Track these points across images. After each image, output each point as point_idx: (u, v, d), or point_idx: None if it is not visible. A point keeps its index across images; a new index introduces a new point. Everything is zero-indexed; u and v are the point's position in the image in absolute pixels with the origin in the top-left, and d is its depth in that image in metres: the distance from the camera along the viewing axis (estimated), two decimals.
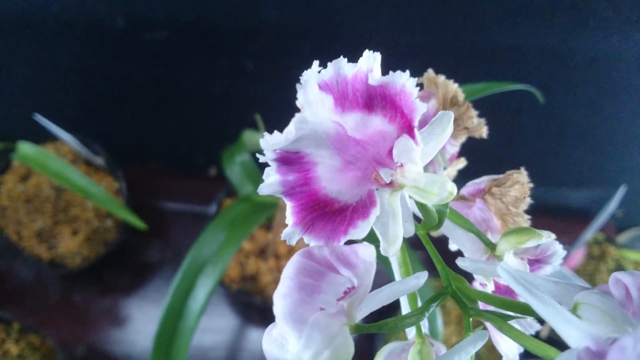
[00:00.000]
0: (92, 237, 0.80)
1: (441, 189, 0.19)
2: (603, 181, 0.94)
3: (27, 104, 0.72)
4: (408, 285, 0.24)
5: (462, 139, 0.30)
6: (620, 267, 0.86)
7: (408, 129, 0.19)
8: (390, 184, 0.20)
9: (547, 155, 0.96)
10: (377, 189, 0.21)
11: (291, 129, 0.19)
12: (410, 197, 0.21)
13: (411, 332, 0.27)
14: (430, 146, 0.20)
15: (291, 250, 0.78)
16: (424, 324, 0.26)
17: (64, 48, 0.74)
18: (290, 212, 0.21)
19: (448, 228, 0.27)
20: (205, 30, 0.70)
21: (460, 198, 0.28)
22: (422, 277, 0.23)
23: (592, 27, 0.64)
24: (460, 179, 0.36)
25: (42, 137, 0.80)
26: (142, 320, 0.93)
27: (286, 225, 0.21)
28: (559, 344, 0.65)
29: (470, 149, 1.01)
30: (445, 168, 0.31)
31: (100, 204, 0.60)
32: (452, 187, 0.19)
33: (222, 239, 0.51)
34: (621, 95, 0.77)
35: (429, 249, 0.25)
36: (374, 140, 0.21)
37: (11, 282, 0.88)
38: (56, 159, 0.61)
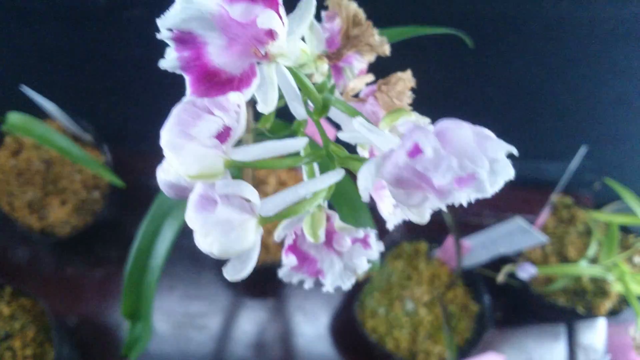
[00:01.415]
0: (80, 207, 0.85)
1: (293, 49, 0.23)
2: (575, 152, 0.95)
3: (14, 83, 0.76)
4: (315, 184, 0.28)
5: (369, 56, 0.34)
6: (589, 230, 0.89)
7: (273, 4, 0.23)
8: (266, 56, 0.24)
9: (518, 128, 0.99)
10: (257, 62, 0.25)
11: (177, 5, 0.24)
12: (289, 70, 0.25)
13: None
14: (298, 24, 0.24)
15: None
16: (324, 203, 0.30)
17: (49, 28, 0.79)
18: (188, 85, 0.25)
19: (342, 119, 0.30)
20: None
21: (358, 100, 0.32)
22: (338, 173, 0.27)
23: None
24: None
25: (31, 114, 0.85)
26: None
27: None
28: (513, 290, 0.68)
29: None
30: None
31: (82, 164, 0.64)
32: (305, 48, 0.23)
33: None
34: (580, 60, 0.80)
35: (318, 129, 0.28)
36: (254, 22, 0.25)
37: (4, 252, 0.93)
38: (41, 125, 0.66)
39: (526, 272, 0.75)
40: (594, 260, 0.81)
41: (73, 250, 0.97)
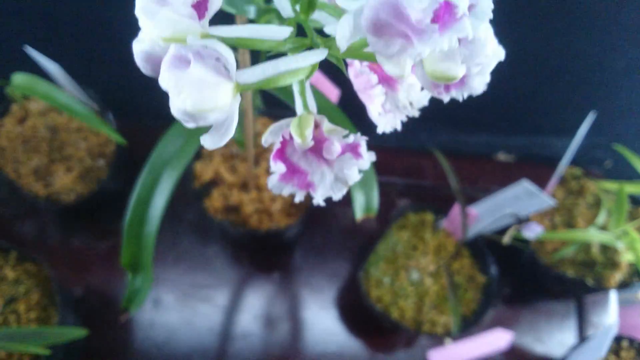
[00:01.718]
0: (85, 175, 0.85)
1: None
2: (595, 128, 0.92)
3: (18, 46, 0.77)
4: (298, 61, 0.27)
5: None
6: (598, 202, 0.87)
7: None
8: None
9: (524, 101, 0.98)
10: None
11: None
12: None
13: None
14: None
15: None
16: (312, 106, 0.29)
17: None
18: None
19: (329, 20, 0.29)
20: None
21: None
22: (321, 52, 0.26)
23: None
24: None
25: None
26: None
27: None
28: (519, 253, 0.67)
29: (450, 103, 1.03)
30: None
31: (85, 121, 0.64)
32: None
33: (184, 138, 0.55)
34: (588, 26, 0.78)
35: (305, 27, 0.28)
36: None
37: (10, 219, 0.93)
38: (46, 83, 0.66)
39: (532, 231, 0.73)
40: (603, 229, 0.80)
41: (78, 222, 0.97)
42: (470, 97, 0.99)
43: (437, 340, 0.94)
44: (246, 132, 0.68)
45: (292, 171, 0.30)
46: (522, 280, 0.95)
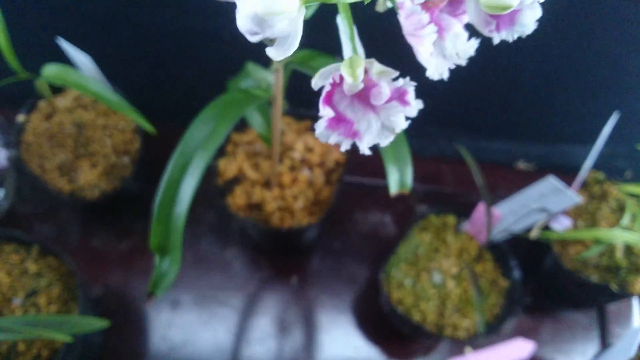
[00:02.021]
0: (109, 172, 0.85)
1: None
2: (616, 135, 0.90)
3: (48, 40, 0.78)
4: None
5: None
6: (622, 206, 0.86)
7: None
8: None
9: (546, 108, 0.98)
10: None
11: None
12: None
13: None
14: None
15: (295, 180, 0.82)
16: (361, 52, 0.30)
17: None
18: None
19: None
20: None
21: None
22: None
23: None
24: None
25: None
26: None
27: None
28: (542, 257, 0.67)
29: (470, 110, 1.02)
30: None
31: (116, 108, 0.65)
32: None
33: (215, 121, 0.55)
34: (612, 25, 0.79)
35: None
36: None
37: (34, 215, 0.94)
38: (76, 72, 0.67)
39: (561, 223, 0.73)
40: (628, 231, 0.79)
41: (100, 221, 0.98)
42: (491, 98, 1.00)
43: (457, 347, 0.92)
44: (274, 126, 0.68)
45: (339, 120, 0.30)
46: (544, 287, 0.94)
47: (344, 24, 0.29)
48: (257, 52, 0.73)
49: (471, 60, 0.96)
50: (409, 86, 0.29)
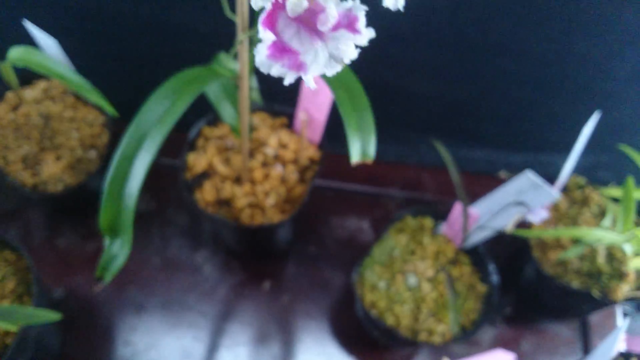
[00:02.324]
0: (74, 166, 0.82)
1: None
2: (598, 144, 0.88)
3: (15, 22, 0.76)
4: None
5: None
6: (604, 211, 0.84)
7: None
8: None
9: (527, 114, 0.96)
10: None
11: None
12: None
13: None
14: None
15: (267, 176, 0.79)
16: None
17: None
18: None
19: None
20: None
21: None
22: None
23: None
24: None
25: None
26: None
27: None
28: (521, 262, 0.64)
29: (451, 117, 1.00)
30: None
31: (80, 90, 0.63)
32: None
33: (174, 95, 0.53)
34: (593, 28, 0.78)
35: None
36: None
37: None
38: (41, 53, 0.65)
39: (538, 215, 0.70)
40: None
41: (64, 219, 0.94)
42: (471, 105, 0.97)
43: (434, 358, 0.89)
44: (241, 116, 0.66)
45: (283, 49, 0.28)
46: (525, 295, 0.91)
47: None
48: (232, 46, 0.72)
49: (452, 66, 0.94)
50: (359, 11, 0.27)
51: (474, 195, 0.95)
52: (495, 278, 0.80)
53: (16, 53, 0.69)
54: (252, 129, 0.82)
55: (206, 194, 0.78)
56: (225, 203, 0.79)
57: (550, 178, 0.90)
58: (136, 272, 0.92)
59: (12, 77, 0.79)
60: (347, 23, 0.27)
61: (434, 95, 0.97)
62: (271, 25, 0.27)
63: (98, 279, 0.54)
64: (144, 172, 0.51)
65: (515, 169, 1.07)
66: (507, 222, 0.71)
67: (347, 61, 0.28)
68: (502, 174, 1.06)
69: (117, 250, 0.53)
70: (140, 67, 0.94)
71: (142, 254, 0.93)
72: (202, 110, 0.84)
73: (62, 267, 0.91)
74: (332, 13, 0.26)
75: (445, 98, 0.98)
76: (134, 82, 0.98)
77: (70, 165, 0.82)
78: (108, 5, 0.83)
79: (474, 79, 0.92)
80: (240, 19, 0.50)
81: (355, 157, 0.47)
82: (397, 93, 0.97)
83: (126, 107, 0.72)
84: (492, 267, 0.81)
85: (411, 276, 0.80)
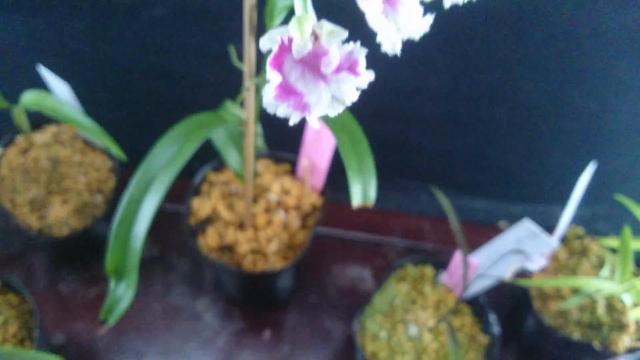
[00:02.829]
0: (81, 210, 0.84)
1: None
2: (596, 195, 0.89)
3: (29, 70, 0.79)
4: None
5: None
6: (603, 262, 0.85)
7: None
8: None
9: (525, 165, 0.98)
10: None
11: None
12: None
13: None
14: None
15: (269, 222, 0.81)
16: (312, 14, 0.29)
17: (73, 27, 0.82)
18: None
19: None
20: (199, 8, 0.78)
21: None
22: None
23: None
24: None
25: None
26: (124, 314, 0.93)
27: None
28: (523, 313, 0.66)
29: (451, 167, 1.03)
30: None
31: (91, 134, 0.65)
32: None
33: (182, 140, 0.55)
34: (588, 81, 0.80)
35: None
36: None
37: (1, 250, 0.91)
38: (53, 98, 0.67)
39: (536, 263, 0.71)
40: None
41: (68, 264, 0.94)
42: (469, 155, 0.99)
43: None
44: (246, 161, 0.68)
45: (289, 91, 0.30)
46: (526, 345, 0.90)
47: None
48: (236, 94, 0.74)
49: (450, 117, 0.97)
50: (360, 54, 0.29)
51: (473, 244, 0.96)
52: (496, 329, 0.80)
53: (29, 97, 0.72)
54: (256, 175, 0.83)
55: (209, 239, 0.79)
56: (228, 249, 0.79)
57: (549, 228, 0.91)
58: (136, 319, 0.92)
59: (23, 121, 0.82)
60: (349, 65, 0.29)
61: (433, 145, 1.00)
62: (278, 66, 0.29)
63: (102, 321, 0.55)
64: (151, 215, 0.53)
65: (515, 219, 1.07)
66: (506, 271, 0.72)
67: (349, 102, 0.30)
68: (502, 224, 1.07)
69: (122, 293, 0.54)
70: (146, 114, 0.97)
71: (142, 300, 0.93)
72: (204, 157, 0.86)
73: (62, 312, 0.91)
74: (335, 55, 0.28)
75: (444, 148, 1.00)
76: (141, 128, 1.00)
77: (77, 209, 0.83)
78: (117, 53, 0.87)
79: (471, 130, 0.95)
80: (248, 66, 0.53)
81: (356, 200, 0.48)
82: (397, 143, 0.99)
83: (133, 152, 0.75)
84: (493, 318, 0.81)
85: (412, 326, 0.80)
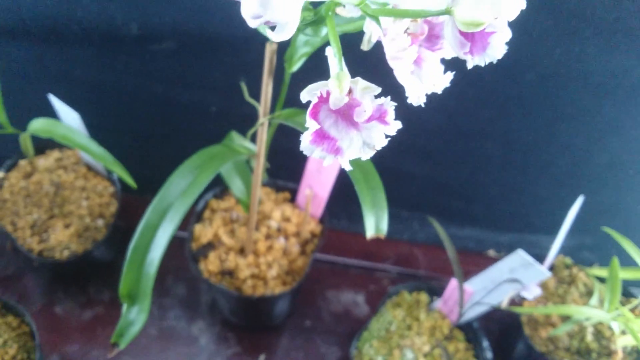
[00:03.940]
0: (82, 234, 0.85)
1: None
2: (582, 227, 0.92)
3: (38, 99, 0.80)
4: None
5: None
6: (591, 291, 0.88)
7: None
8: None
9: (514, 196, 1.02)
10: None
11: None
12: None
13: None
14: None
15: (270, 248, 0.82)
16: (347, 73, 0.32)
17: (80, 58, 0.85)
18: None
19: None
20: (206, 43, 0.81)
21: None
22: None
23: (535, 37, 0.74)
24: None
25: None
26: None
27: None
28: (514, 339, 0.69)
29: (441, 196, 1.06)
30: None
31: (100, 160, 0.67)
32: None
33: (197, 170, 0.57)
34: (576, 118, 0.85)
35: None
36: None
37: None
38: (63, 125, 0.69)
39: (532, 292, 0.73)
40: None
41: (66, 287, 0.95)
42: (460, 186, 1.03)
43: None
44: (253, 194, 0.70)
45: (323, 136, 0.32)
46: None
47: (332, 44, 0.32)
48: (241, 125, 0.77)
49: (442, 150, 1.00)
50: (389, 106, 0.32)
51: (464, 272, 0.99)
52: (489, 354, 0.82)
53: (37, 125, 0.74)
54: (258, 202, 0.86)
55: (210, 264, 0.81)
56: (228, 273, 0.81)
57: (538, 257, 0.94)
58: (132, 342, 0.92)
59: (29, 147, 0.83)
60: (379, 116, 0.32)
61: (426, 176, 1.03)
62: (315, 115, 0.32)
63: (113, 345, 0.56)
64: (166, 242, 0.54)
65: (504, 248, 1.11)
66: (502, 299, 0.74)
67: (379, 148, 0.32)
68: (491, 252, 1.11)
69: (134, 317, 0.55)
70: (150, 141, 0.99)
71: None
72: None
73: (58, 335, 0.91)
74: (368, 107, 0.31)
75: (435, 179, 1.03)
76: (145, 156, 1.02)
77: (78, 233, 0.85)
78: (125, 83, 0.89)
79: (463, 162, 0.98)
80: (264, 104, 0.55)
81: (370, 231, 0.51)
82: (391, 173, 1.02)
83: (137, 179, 0.77)
84: (486, 344, 0.83)
85: (408, 351, 0.82)
